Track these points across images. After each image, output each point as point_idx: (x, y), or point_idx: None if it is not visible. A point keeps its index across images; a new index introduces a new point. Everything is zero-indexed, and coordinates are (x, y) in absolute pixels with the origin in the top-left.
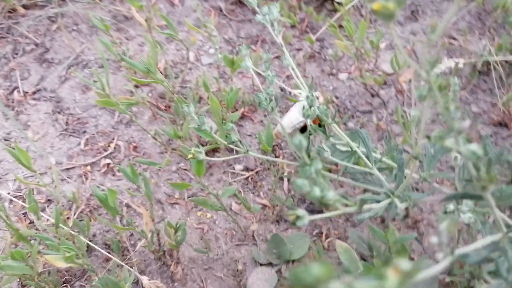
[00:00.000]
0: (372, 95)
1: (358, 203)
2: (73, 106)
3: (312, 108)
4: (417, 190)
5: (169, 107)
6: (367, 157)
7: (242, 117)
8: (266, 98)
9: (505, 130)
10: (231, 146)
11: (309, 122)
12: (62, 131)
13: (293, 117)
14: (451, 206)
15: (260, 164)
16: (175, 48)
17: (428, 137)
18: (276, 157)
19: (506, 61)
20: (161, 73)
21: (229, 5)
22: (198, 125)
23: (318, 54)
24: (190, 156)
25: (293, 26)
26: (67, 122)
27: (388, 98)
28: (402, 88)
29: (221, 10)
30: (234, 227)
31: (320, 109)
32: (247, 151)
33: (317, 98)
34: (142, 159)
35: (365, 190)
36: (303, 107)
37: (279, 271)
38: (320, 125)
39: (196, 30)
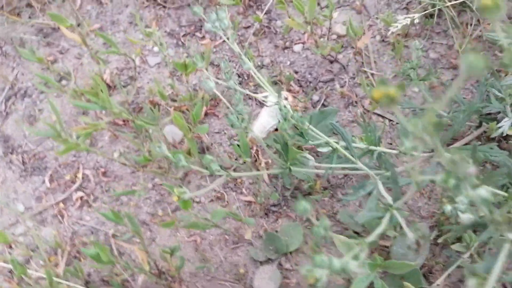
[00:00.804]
0: (331, 62)
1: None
2: (24, 143)
3: (287, 120)
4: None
5: (128, 121)
6: (348, 150)
7: (206, 114)
8: (237, 118)
9: None
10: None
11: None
12: (21, 172)
13: (265, 121)
14: (448, 208)
15: (236, 159)
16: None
17: (432, 181)
18: (255, 155)
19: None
20: (108, 85)
21: None
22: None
23: (267, 29)
24: (175, 198)
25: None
26: (23, 161)
27: (347, 61)
28: (359, 48)
29: (155, 0)
30: (226, 232)
31: (295, 118)
32: (230, 174)
33: (286, 98)
34: (118, 190)
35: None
36: (278, 122)
37: (279, 264)
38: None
39: (137, 42)
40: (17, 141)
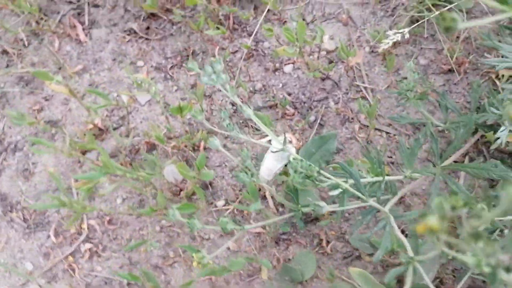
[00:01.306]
0: (322, 79)
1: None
2: (22, 199)
3: (297, 172)
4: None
5: (126, 163)
6: (358, 189)
7: (205, 148)
8: (247, 173)
9: (455, 75)
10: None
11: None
12: (24, 229)
13: (271, 165)
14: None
15: (240, 191)
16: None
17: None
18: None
19: (440, 4)
20: (100, 128)
21: (141, 22)
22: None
23: (255, 52)
24: (195, 264)
25: (220, 25)
26: (24, 218)
27: (339, 77)
28: (340, 56)
29: (136, 33)
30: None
31: (305, 167)
32: (244, 227)
33: (290, 141)
34: (125, 237)
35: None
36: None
37: None
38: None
39: (128, 94)
40: (15, 198)
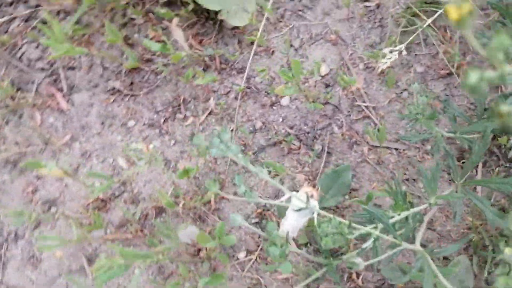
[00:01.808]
0: (322, 104)
1: None
2: None
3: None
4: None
5: (137, 231)
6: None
7: (222, 198)
8: (276, 245)
9: (455, 78)
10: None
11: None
12: None
13: (295, 222)
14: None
15: (258, 237)
16: (99, 161)
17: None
18: None
19: (427, 9)
20: (102, 199)
21: (123, 79)
22: None
23: (248, 89)
24: None
25: (207, 67)
26: None
27: (338, 100)
28: (340, 84)
29: (119, 91)
30: None
31: (334, 225)
32: None
33: (311, 196)
34: None
35: None
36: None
37: None
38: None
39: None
40: None
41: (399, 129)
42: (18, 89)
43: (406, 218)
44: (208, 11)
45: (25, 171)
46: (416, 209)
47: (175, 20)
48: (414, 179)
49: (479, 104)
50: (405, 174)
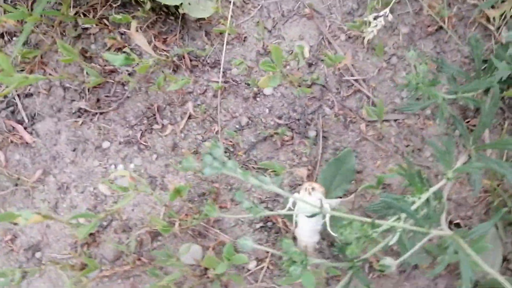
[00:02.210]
0: (309, 86)
1: None
2: None
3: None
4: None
5: (134, 261)
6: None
7: (220, 207)
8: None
9: (443, 33)
10: None
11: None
12: None
13: (312, 225)
14: None
15: (266, 242)
16: (78, 192)
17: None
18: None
19: None
20: (91, 233)
21: (88, 96)
22: None
23: (225, 83)
24: None
25: (177, 68)
26: None
27: (324, 78)
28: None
29: (86, 111)
30: None
31: (357, 227)
32: None
33: (313, 189)
34: None
35: None
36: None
37: None
38: None
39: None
40: None
41: (394, 98)
42: None
43: (427, 199)
44: (167, 6)
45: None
46: (435, 188)
47: (134, 23)
48: (419, 149)
49: (476, 57)
50: (408, 145)
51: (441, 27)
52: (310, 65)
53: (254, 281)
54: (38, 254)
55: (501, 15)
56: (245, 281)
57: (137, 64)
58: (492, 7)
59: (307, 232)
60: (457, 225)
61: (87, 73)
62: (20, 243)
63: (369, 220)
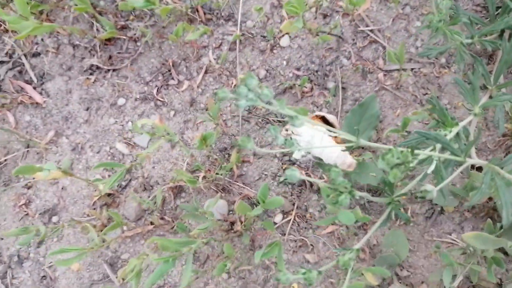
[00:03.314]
0: (327, 32)
1: None
2: None
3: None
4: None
5: (157, 220)
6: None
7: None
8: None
9: None
10: None
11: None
12: None
13: (335, 151)
14: None
15: (291, 195)
16: (94, 152)
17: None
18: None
19: None
20: (109, 193)
21: (100, 54)
22: None
23: (242, 36)
24: None
25: (191, 22)
26: None
27: (340, 30)
28: (346, 9)
29: (99, 68)
30: (328, 274)
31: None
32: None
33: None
34: None
35: None
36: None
37: (396, 275)
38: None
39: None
40: None
41: (409, 47)
42: None
43: (457, 134)
44: None
45: (10, 183)
46: (464, 123)
47: None
48: (437, 97)
49: (490, 2)
50: (426, 94)
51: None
52: (325, 16)
53: (281, 234)
54: (55, 218)
55: None
56: (271, 235)
57: (157, 8)
58: None
59: (335, 156)
60: (479, 169)
61: (97, 29)
62: (35, 207)
63: (406, 149)
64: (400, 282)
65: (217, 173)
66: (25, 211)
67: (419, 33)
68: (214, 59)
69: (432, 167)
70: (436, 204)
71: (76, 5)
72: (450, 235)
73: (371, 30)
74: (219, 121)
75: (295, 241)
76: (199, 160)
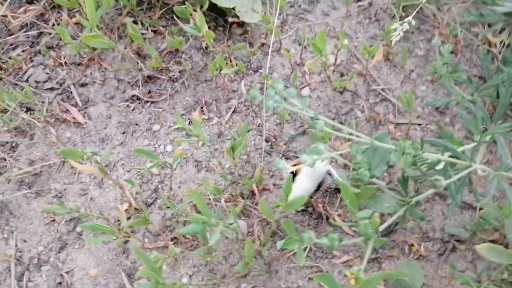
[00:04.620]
0: (341, 93)
1: None
2: None
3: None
4: None
5: (178, 237)
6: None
7: (263, 189)
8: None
9: (453, 56)
10: None
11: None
12: None
13: (305, 186)
14: None
15: (308, 225)
16: (125, 170)
17: None
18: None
19: None
20: (136, 208)
21: (141, 88)
22: None
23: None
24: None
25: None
26: None
27: (355, 87)
28: (357, 69)
29: (139, 98)
30: None
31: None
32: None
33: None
34: None
35: None
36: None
37: None
38: None
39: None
40: None
41: (416, 107)
42: (27, 111)
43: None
44: (216, 19)
45: (42, 192)
46: (470, 146)
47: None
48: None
49: (485, 67)
50: (432, 146)
51: (451, 52)
52: (342, 75)
53: (297, 261)
54: (79, 228)
55: (501, 42)
56: (288, 261)
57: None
58: (493, 34)
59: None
60: None
61: (140, 68)
62: (62, 215)
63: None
64: None
65: (237, 193)
66: (52, 218)
67: (424, 90)
68: (242, 102)
69: (441, 165)
70: (448, 242)
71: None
72: (464, 272)
73: (383, 89)
74: (241, 150)
75: (311, 267)
76: (222, 185)
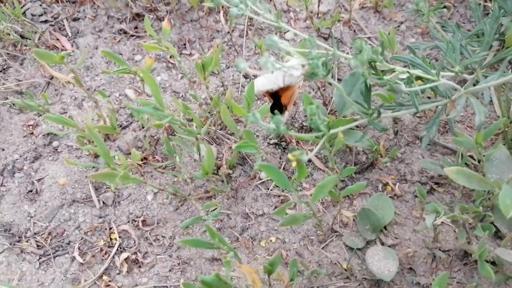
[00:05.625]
0: (326, 39)
1: None
2: (31, 223)
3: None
4: None
5: (148, 156)
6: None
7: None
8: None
9: (446, 11)
10: None
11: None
12: (40, 258)
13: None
14: None
15: (280, 158)
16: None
17: None
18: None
19: None
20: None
21: (128, 24)
22: None
23: (252, 27)
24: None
25: (210, 11)
26: (38, 245)
27: (340, 34)
28: (346, 18)
29: (126, 32)
30: (308, 234)
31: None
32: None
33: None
34: (166, 235)
35: None
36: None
37: (382, 243)
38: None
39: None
40: (22, 225)
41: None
42: (21, 37)
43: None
44: None
45: (25, 110)
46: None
47: None
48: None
49: (476, 17)
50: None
51: (444, 6)
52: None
53: (266, 189)
54: (55, 143)
55: None
56: (256, 189)
57: None
58: None
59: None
60: None
61: (131, 7)
62: (41, 130)
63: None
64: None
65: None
66: (30, 132)
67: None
68: (225, 42)
69: (404, 76)
70: (426, 184)
71: None
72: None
73: (369, 38)
74: (218, 81)
75: (278, 196)
76: (196, 113)
